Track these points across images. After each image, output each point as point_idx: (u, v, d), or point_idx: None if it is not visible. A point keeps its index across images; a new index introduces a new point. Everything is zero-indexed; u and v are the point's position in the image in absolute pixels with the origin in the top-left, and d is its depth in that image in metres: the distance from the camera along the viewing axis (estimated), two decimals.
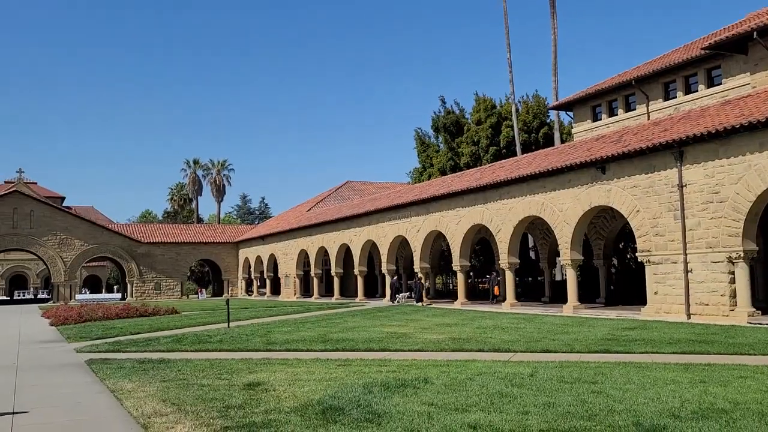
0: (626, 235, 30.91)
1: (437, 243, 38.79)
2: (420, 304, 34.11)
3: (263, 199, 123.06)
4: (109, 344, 17.43)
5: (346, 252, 44.44)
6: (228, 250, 64.75)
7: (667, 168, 21.55)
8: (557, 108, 40.49)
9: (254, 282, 61.60)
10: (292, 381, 10.37)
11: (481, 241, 41.20)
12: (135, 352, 15.57)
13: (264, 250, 57.62)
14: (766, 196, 19.00)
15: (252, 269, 61.00)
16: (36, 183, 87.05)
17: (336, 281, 45.44)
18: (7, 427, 7.84)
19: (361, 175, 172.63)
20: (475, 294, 40.64)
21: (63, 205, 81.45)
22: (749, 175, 19.09)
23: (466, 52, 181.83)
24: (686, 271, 20.84)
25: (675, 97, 31.93)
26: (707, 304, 20.23)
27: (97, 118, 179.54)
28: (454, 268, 33.27)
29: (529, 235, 38.02)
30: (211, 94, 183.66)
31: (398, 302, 36.29)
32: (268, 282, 58.17)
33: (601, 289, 30.92)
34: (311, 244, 48.26)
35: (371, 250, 42.83)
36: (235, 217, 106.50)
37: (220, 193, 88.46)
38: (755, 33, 24.34)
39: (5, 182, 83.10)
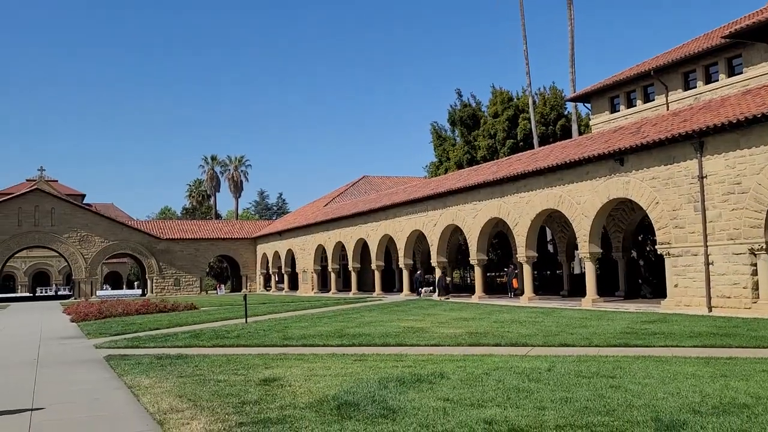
0: (645, 227, 30.56)
1: (454, 237, 38.65)
2: (442, 297, 34.16)
3: (281, 194, 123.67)
4: (128, 340, 17.58)
5: (363, 247, 44.46)
6: (246, 246, 65.08)
7: (687, 159, 21.24)
8: (574, 100, 40.12)
9: (272, 277, 61.88)
10: (308, 376, 10.35)
11: (498, 235, 40.99)
12: (153, 347, 15.68)
13: (281, 246, 57.82)
14: None
15: (270, 264, 61.28)
16: (57, 181, 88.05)
17: (353, 276, 45.50)
18: (26, 423, 7.91)
19: (378, 170, 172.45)
20: (492, 288, 40.50)
21: (83, 202, 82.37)
22: None
23: (482, 45, 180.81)
24: (707, 264, 20.55)
25: (695, 87, 31.48)
26: (729, 297, 19.94)
27: (117, 116, 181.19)
28: (471, 262, 33.14)
29: (547, 229, 37.76)
30: (228, 91, 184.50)
31: (422, 296, 36.28)
32: (286, 277, 58.40)
33: (620, 282, 30.64)
34: (328, 239, 48.33)
35: (388, 245, 42.81)
36: (253, 213, 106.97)
37: (237, 189, 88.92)
38: None
39: (27, 180, 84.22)
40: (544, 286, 37.45)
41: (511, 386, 8.86)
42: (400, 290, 41.44)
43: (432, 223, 35.72)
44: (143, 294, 61.50)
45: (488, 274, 43.63)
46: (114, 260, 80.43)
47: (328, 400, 8.37)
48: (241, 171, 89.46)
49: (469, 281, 46.08)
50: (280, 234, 57.95)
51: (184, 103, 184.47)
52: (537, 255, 29.63)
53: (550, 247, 41.64)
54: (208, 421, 7.49)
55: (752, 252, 19.33)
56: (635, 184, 23.16)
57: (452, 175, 40.61)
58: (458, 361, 11.56)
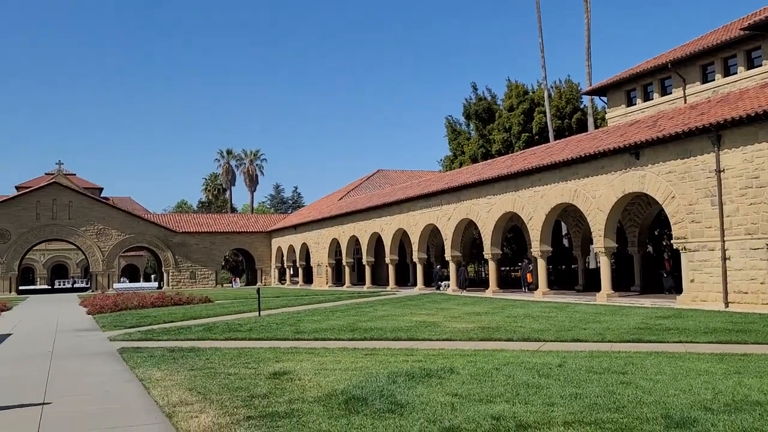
0: (662, 221, 30.25)
1: (468, 231, 38.52)
2: (462, 291, 34.09)
3: (296, 188, 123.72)
4: (142, 333, 17.71)
5: (377, 240, 44.45)
6: (261, 240, 65.32)
7: (704, 153, 20.96)
8: (590, 93, 39.76)
9: (287, 271, 62.09)
10: (318, 370, 10.36)
11: (513, 229, 40.77)
12: (167, 340, 15.78)
13: (296, 239, 57.97)
14: None
15: (285, 258, 61.47)
16: (75, 174, 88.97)
17: (367, 270, 45.52)
18: (37, 415, 7.98)
19: (393, 164, 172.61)
20: (507, 282, 40.31)
21: (101, 195, 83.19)
22: None
23: (497, 38, 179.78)
24: (724, 259, 20.30)
25: (713, 80, 31.06)
26: (746, 292, 19.68)
27: (135, 110, 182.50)
28: (486, 257, 33.01)
29: (562, 223, 37.50)
30: (244, 85, 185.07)
31: (442, 290, 36.20)
32: (300, 271, 58.57)
33: (636, 277, 30.38)
34: (343, 232, 48.37)
35: (402, 239, 42.75)
36: (268, 206, 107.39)
37: (253, 182, 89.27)
38: None
39: (45, 174, 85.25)
40: (559, 281, 37.22)
41: (520, 382, 8.81)
42: (414, 284, 41.39)
43: (446, 217, 35.61)
44: (159, 287, 61.99)
45: (503, 269, 43.43)
46: (131, 253, 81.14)
47: (336, 394, 8.37)
48: (257, 165, 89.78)
49: (483, 276, 45.86)
50: (295, 228, 58.10)
51: (201, 97, 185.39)
52: (551, 249, 29.42)
53: (566, 242, 41.34)
54: (217, 414, 7.52)
55: None
56: (651, 179, 22.91)
57: (466, 169, 40.44)
58: (469, 356, 11.52)
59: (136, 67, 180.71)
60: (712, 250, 20.74)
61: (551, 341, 13.44)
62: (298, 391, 8.68)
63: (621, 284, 30.84)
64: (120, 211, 61.84)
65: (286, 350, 13.11)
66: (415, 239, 38.71)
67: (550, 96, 48.06)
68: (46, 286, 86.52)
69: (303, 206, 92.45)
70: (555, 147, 31.57)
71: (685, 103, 30.38)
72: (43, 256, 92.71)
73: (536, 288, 29.97)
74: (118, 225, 60.01)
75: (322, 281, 52.62)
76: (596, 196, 25.32)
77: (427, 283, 42.16)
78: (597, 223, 25.36)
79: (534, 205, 28.77)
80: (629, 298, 24.88)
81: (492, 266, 33.05)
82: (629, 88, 35.78)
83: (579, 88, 49.88)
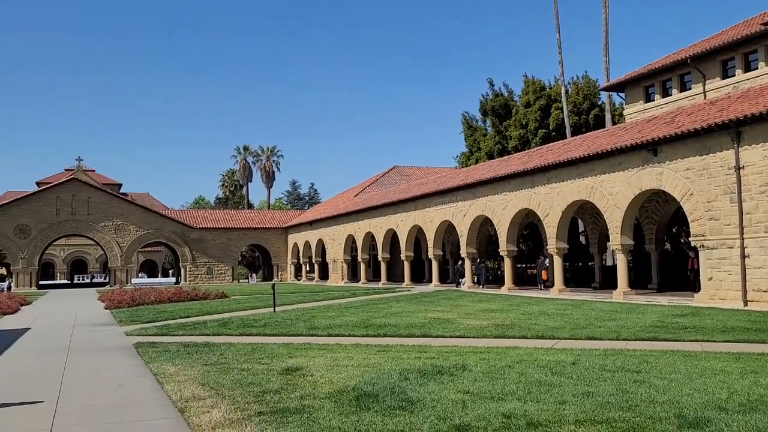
0: (680, 219, 29.93)
1: (484, 228, 38.37)
2: (483, 287, 34.26)
3: (312, 184, 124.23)
4: (158, 328, 17.85)
5: (392, 237, 44.45)
6: (277, 236, 65.60)
7: (723, 149, 20.69)
8: (608, 89, 39.40)
9: (303, 267, 62.30)
10: (330, 366, 10.37)
11: (529, 226, 40.58)
12: (182, 335, 15.89)
13: (312, 236, 58.14)
14: None
15: (300, 254, 61.69)
16: (94, 170, 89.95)
17: (383, 266, 45.54)
18: (52, 409, 8.08)
19: (409, 160, 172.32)
20: (523, 279, 40.16)
21: (120, 191, 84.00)
22: None
23: (515, 34, 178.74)
24: (743, 256, 20.04)
25: (734, 75, 30.65)
26: (765, 291, 19.42)
27: (153, 107, 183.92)
28: (501, 253, 32.87)
29: (579, 220, 37.25)
30: (261, 81, 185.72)
31: (461, 286, 36.03)
32: (316, 267, 58.76)
33: (653, 275, 30.11)
34: (358, 229, 48.43)
35: (418, 235, 42.73)
36: (285, 202, 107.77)
37: (269, 179, 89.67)
38: None
39: (65, 170, 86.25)
40: (576, 278, 36.98)
41: (533, 380, 8.75)
42: (430, 281, 41.35)
43: (461, 214, 35.51)
44: (177, 282, 62.48)
45: (519, 266, 43.29)
46: (149, 249, 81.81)
47: (347, 390, 8.37)
48: (273, 161, 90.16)
49: (499, 272, 45.72)
50: (311, 224, 58.26)
51: (219, 94, 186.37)
52: (568, 246, 29.23)
53: (582, 239, 41.07)
54: (228, 409, 7.55)
55: None
56: (669, 175, 22.66)
57: (482, 166, 40.28)
58: (482, 353, 11.47)
59: (155, 64, 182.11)
60: (731, 247, 20.48)
61: (565, 339, 13.35)
62: (309, 387, 8.70)
63: (638, 282, 30.62)
64: (138, 207, 62.41)
65: (299, 346, 13.15)
66: (430, 236, 38.66)
67: (567, 92, 47.71)
68: (65, 281, 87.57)
69: (319, 202, 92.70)
70: (571, 143, 31.35)
71: (705, 98, 30.01)
72: (63, 251, 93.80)
73: (552, 285, 29.80)
74: (137, 221, 60.56)
75: (337, 277, 52.74)
76: (613, 193, 25.10)
77: (443, 279, 42.10)
78: (614, 220, 25.15)
79: (550, 202, 28.60)
80: (646, 296, 24.66)
81: (507, 263, 32.91)
82: (648, 83, 35.41)
83: (596, 84, 49.47)
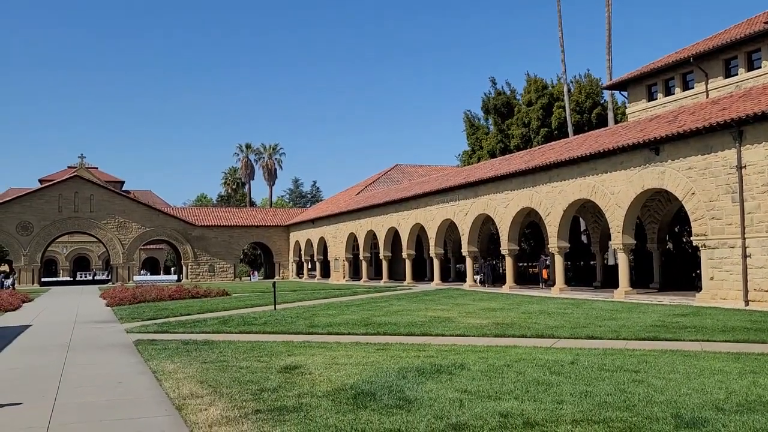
0: (682, 218, 29.89)
1: (486, 226, 38.35)
2: (487, 286, 34.11)
3: (315, 182, 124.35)
4: (158, 325, 17.87)
5: (394, 235, 44.44)
6: (279, 234, 65.62)
7: (725, 149, 20.64)
8: (611, 88, 39.31)
9: (305, 265, 62.31)
10: (329, 365, 10.37)
11: (530, 225, 40.54)
12: (182, 333, 15.90)
13: (314, 234, 58.15)
14: None
15: (302, 252, 61.70)
16: (97, 168, 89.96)
17: (384, 265, 45.53)
18: (50, 405, 8.09)
19: (411, 159, 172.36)
20: (524, 278, 40.12)
21: (122, 189, 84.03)
22: None
23: (517, 33, 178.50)
24: (744, 256, 20.00)
25: (736, 74, 30.54)
26: (767, 291, 19.37)
27: (156, 104, 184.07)
28: (503, 252, 32.85)
29: (581, 219, 37.20)
30: (263, 79, 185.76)
31: (478, 284, 35.82)
32: (318, 265, 58.76)
33: (654, 274, 30.06)
34: (360, 227, 48.42)
35: (419, 234, 42.70)
36: (287, 200, 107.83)
37: (271, 177, 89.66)
38: None
39: (68, 167, 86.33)
40: (577, 277, 36.96)
41: (531, 379, 8.75)
42: (431, 279, 41.32)
43: (463, 213, 35.48)
44: (179, 280, 62.52)
45: (520, 264, 43.26)
46: (151, 246, 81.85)
47: (345, 389, 8.37)
48: (275, 159, 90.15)
49: (500, 271, 45.74)
50: (313, 222, 58.27)
51: (221, 91, 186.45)
52: (569, 245, 29.20)
53: (584, 238, 41.03)
54: (226, 407, 7.56)
55: None
56: (671, 174, 22.61)
57: (484, 164, 40.25)
58: (481, 351, 11.46)
59: (158, 62, 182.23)
60: (733, 247, 20.44)
61: (565, 338, 13.33)
62: (307, 386, 8.70)
63: (640, 281, 30.60)
64: (140, 205, 62.45)
65: (298, 344, 13.15)
66: (432, 234, 38.63)
67: (569, 91, 47.62)
68: (68, 278, 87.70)
69: (321, 200, 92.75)
70: (573, 142, 31.31)
71: (708, 98, 29.92)
72: (65, 248, 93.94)
73: (553, 284, 29.77)
74: (139, 218, 60.61)
75: (339, 275, 52.75)
76: (615, 192, 25.06)
77: (444, 278, 42.07)
78: (615, 219, 25.11)
79: (552, 201, 28.56)
80: (647, 296, 24.62)
81: (509, 262, 32.89)
82: (650, 82, 35.32)
83: (599, 83, 49.37)
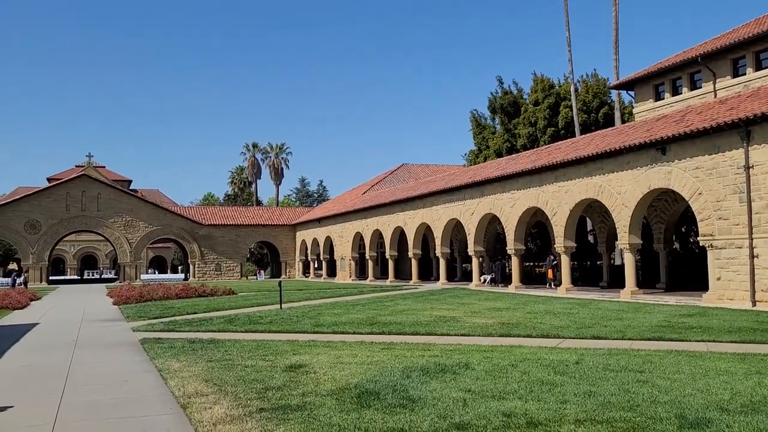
0: (689, 218, 29.78)
1: (492, 226, 38.30)
2: (500, 285, 33.98)
3: (321, 182, 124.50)
4: (165, 324, 17.94)
5: (400, 235, 44.44)
6: (286, 233, 65.72)
7: (733, 148, 20.55)
8: (618, 87, 39.19)
9: (311, 264, 62.40)
10: (334, 364, 10.40)
11: (537, 224, 40.48)
12: (188, 331, 15.96)
13: (320, 233, 58.22)
14: None
15: (309, 251, 61.79)
16: (104, 167, 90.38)
17: (391, 264, 45.55)
18: (56, 404, 8.14)
19: (418, 158, 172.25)
20: (531, 278, 40.02)
21: (130, 188, 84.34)
22: None
23: (524, 32, 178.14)
24: (752, 256, 19.90)
25: (744, 74, 30.44)
26: None
27: (163, 103, 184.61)
28: (509, 252, 32.79)
29: (588, 218, 37.12)
30: (270, 78, 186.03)
31: (483, 283, 35.72)
32: (324, 264, 58.81)
33: (661, 274, 29.96)
34: (366, 226, 48.45)
35: (426, 233, 42.69)
36: (294, 200, 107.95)
37: (278, 176, 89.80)
38: None
39: (76, 166, 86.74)
40: (584, 277, 36.88)
41: (535, 378, 8.74)
42: (437, 279, 41.30)
43: (469, 212, 35.46)
44: (186, 278, 62.74)
45: (526, 264, 43.17)
46: (159, 245, 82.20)
47: (350, 388, 8.39)
48: (282, 158, 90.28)
49: (507, 271, 45.71)
50: (319, 221, 58.34)
51: (228, 90, 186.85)
52: (576, 245, 29.13)
53: (591, 238, 40.94)
54: (230, 406, 7.59)
55: None
56: (678, 174, 22.53)
57: (490, 164, 40.19)
58: (485, 351, 11.46)
59: (165, 62, 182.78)
60: (740, 247, 20.35)
61: (570, 338, 13.32)
62: (312, 385, 8.73)
63: (646, 281, 30.51)
64: (147, 204, 62.65)
65: (304, 343, 13.18)
66: (438, 234, 38.62)
67: (576, 90, 47.50)
68: (75, 277, 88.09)
69: (328, 200, 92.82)
70: (580, 142, 31.23)
71: (715, 97, 29.81)
72: (73, 246, 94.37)
73: (560, 284, 29.72)
74: (146, 217, 60.82)
75: (345, 275, 52.79)
76: (621, 192, 24.99)
77: (450, 277, 42.03)
78: (622, 219, 25.04)
79: (558, 201, 28.50)
80: (654, 296, 24.54)
81: (515, 262, 32.83)
82: (657, 82, 35.21)
83: (606, 83, 49.23)
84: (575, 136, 41.11)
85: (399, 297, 27.56)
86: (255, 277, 67.16)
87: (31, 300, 30.54)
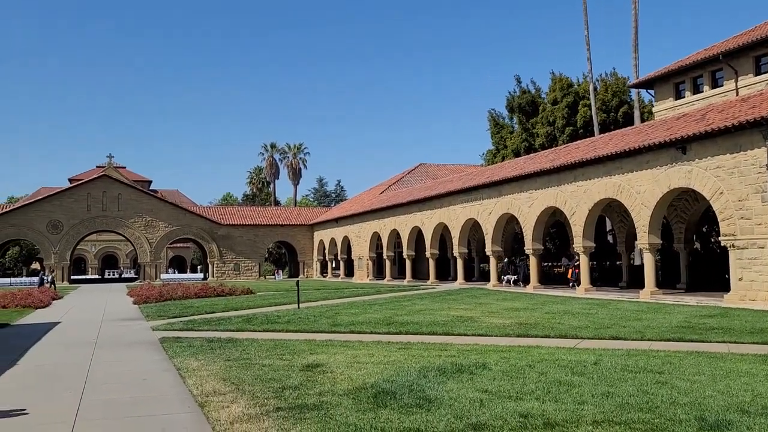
0: (710, 218, 29.41)
1: (510, 226, 38.14)
2: (522, 285, 33.69)
3: (339, 182, 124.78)
4: (184, 323, 18.08)
5: (417, 235, 44.40)
6: (303, 233, 65.95)
7: (755, 147, 20.27)
8: (637, 86, 38.84)
9: (329, 264, 62.56)
10: (351, 363, 10.41)
11: (555, 224, 40.23)
12: (206, 331, 16.08)
13: (338, 233, 58.34)
14: None
15: (326, 251, 61.94)
16: (125, 167, 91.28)
17: (408, 264, 45.52)
18: (76, 402, 8.25)
19: (435, 158, 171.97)
20: (549, 278, 39.77)
21: (150, 188, 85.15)
22: None
23: (542, 31, 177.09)
24: None
25: (767, 72, 29.99)
26: None
27: (182, 104, 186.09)
28: (527, 252, 32.64)
29: (607, 218, 36.82)
30: (288, 78, 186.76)
31: (505, 284, 35.58)
32: (342, 264, 58.92)
33: (681, 275, 29.63)
34: (383, 226, 48.46)
35: (443, 233, 42.61)
36: (312, 199, 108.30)
37: (296, 176, 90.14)
38: None
39: (97, 167, 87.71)
40: (603, 277, 36.58)
41: (553, 379, 8.69)
42: (455, 279, 41.21)
43: (487, 212, 35.33)
44: (205, 278, 63.19)
45: (545, 264, 42.91)
46: (178, 245, 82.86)
47: (366, 387, 8.40)
48: (300, 158, 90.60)
49: (527, 271, 45.45)
50: (337, 221, 58.46)
51: (246, 91, 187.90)
52: (594, 245, 28.90)
53: (610, 238, 40.61)
54: (248, 404, 7.63)
55: None
56: (698, 174, 22.27)
57: (508, 164, 40.02)
58: (503, 351, 11.41)
59: (184, 62, 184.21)
60: (762, 247, 20.07)
61: (589, 339, 13.22)
62: (329, 384, 8.75)
63: (666, 282, 30.20)
64: (167, 204, 63.20)
65: (321, 343, 13.22)
66: (455, 233, 38.53)
67: (595, 89, 47.12)
68: (96, 276, 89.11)
69: (345, 200, 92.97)
70: (599, 141, 30.99)
71: (737, 95, 29.42)
72: (94, 246, 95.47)
73: (578, 284, 29.51)
74: (166, 217, 61.35)
75: (362, 275, 52.85)
76: (641, 192, 24.76)
77: (468, 277, 41.90)
78: (641, 219, 24.81)
79: (576, 200, 28.31)
80: (674, 296, 24.28)
81: (533, 262, 32.65)
82: (678, 80, 34.84)
83: (626, 81, 48.79)
84: (594, 136, 40.79)
85: (416, 297, 27.53)
86: (273, 276, 67.47)
87: (53, 299, 30.94)
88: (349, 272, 58.55)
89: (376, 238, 50.87)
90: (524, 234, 32.50)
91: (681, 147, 22.74)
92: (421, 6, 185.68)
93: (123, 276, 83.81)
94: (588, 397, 7.60)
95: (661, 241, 25.29)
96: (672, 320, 16.03)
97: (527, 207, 31.79)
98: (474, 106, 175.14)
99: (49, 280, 46.58)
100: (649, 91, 38.07)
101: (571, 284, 32.36)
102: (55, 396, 8.68)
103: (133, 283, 54.54)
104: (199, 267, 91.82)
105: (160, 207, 61.73)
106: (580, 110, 48.46)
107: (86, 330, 17.29)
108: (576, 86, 50.68)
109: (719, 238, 22.52)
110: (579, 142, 34.97)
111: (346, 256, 58.23)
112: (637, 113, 42.94)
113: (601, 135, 34.78)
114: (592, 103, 45.52)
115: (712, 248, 32.36)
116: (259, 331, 15.86)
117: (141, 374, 10.17)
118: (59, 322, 19.72)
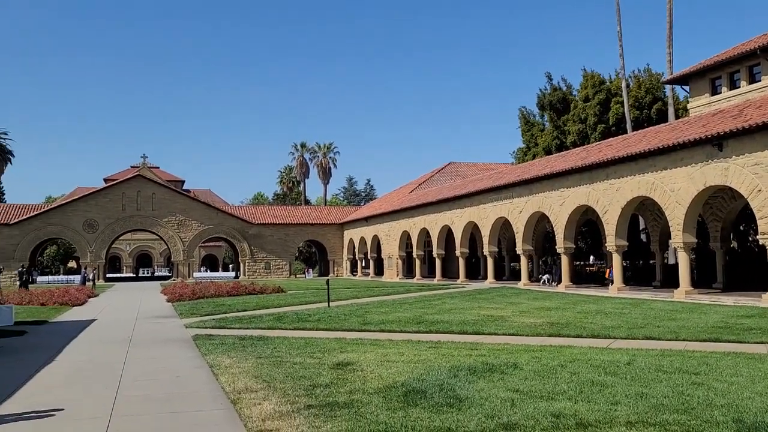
0: (748, 216, 28.77)
1: (541, 225, 37.81)
2: (557, 285, 33.28)
3: (368, 181, 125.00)
4: (216, 321, 18.30)
5: (447, 233, 44.27)
6: (333, 231, 66.23)
7: None
8: (671, 82, 38.09)
9: (359, 262, 62.73)
10: (381, 362, 10.42)
11: (587, 223, 39.74)
12: (238, 328, 16.25)
13: (367, 232, 58.46)
14: None
15: (356, 250, 62.13)
16: (158, 167, 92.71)
17: (438, 263, 45.42)
18: (112, 396, 8.41)
19: (465, 156, 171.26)
20: (581, 277, 39.32)
21: (183, 188, 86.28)
22: None
23: (573, 27, 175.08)
24: None
25: None
26: None
27: (215, 105, 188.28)
28: (558, 251, 32.31)
29: (640, 217, 36.25)
30: (318, 78, 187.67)
31: (543, 284, 35.29)
32: (371, 263, 59.03)
33: (718, 274, 29.03)
34: (413, 225, 48.41)
35: (473, 232, 42.41)
36: (341, 199, 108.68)
37: (326, 175, 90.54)
38: None
39: (131, 167, 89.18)
40: (636, 277, 36.04)
41: (585, 379, 8.59)
42: (485, 278, 41.00)
43: (517, 211, 35.06)
44: (236, 276, 63.85)
45: (577, 263, 42.46)
46: (210, 244, 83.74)
47: (396, 386, 8.40)
48: (330, 158, 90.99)
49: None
50: (366, 220, 58.58)
51: (277, 91, 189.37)
52: (627, 244, 28.48)
53: (643, 236, 39.96)
54: (279, 402, 7.69)
55: None
56: (735, 171, 21.80)
57: (539, 162, 39.66)
58: (534, 351, 11.32)
59: (216, 63, 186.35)
60: None
61: (622, 338, 13.03)
62: (359, 382, 8.77)
63: (702, 281, 29.62)
64: (199, 203, 64.01)
65: (351, 341, 13.26)
66: (485, 232, 38.32)
67: (628, 86, 46.43)
68: (131, 275, 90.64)
69: (375, 198, 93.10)
70: (632, 138, 30.53)
71: None
72: (128, 245, 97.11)
73: (611, 283, 29.11)
74: (198, 216, 62.15)
75: (392, 273, 52.88)
76: (675, 190, 24.33)
77: (498, 276, 41.65)
78: (675, 217, 24.38)
79: (609, 199, 27.93)
80: (710, 296, 23.81)
81: (565, 260, 32.30)
82: (714, 76, 34.08)
83: (660, 78, 47.97)
84: (627, 133, 40.20)
85: (446, 296, 27.46)
86: (303, 275, 67.88)
87: (89, 297, 31.57)
88: (379, 271, 58.62)
89: (405, 237, 50.84)
90: (555, 233, 32.18)
91: (717, 144, 22.29)
92: (450, 5, 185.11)
93: (156, 274, 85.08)
94: (621, 397, 7.50)
95: (697, 240, 24.82)
96: (708, 320, 15.73)
97: (558, 205, 31.46)
98: (504, 105, 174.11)
99: (90, 278, 47.74)
100: (683, 87, 37.31)
101: (608, 284, 31.88)
102: (92, 391, 8.85)
103: (166, 282, 55.37)
104: (230, 266, 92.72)
105: (192, 206, 62.55)
106: (612, 107, 47.82)
107: (121, 327, 17.61)
108: (608, 83, 50.03)
109: (757, 237, 22.01)
110: (611, 139, 34.50)
111: (375, 255, 58.32)
112: (671, 110, 42.20)
113: (634, 132, 34.27)
114: (625, 100, 44.86)
115: (749, 247, 31.66)
116: (290, 329, 15.98)
117: (175, 371, 10.32)
118: (95, 320, 20.11)
